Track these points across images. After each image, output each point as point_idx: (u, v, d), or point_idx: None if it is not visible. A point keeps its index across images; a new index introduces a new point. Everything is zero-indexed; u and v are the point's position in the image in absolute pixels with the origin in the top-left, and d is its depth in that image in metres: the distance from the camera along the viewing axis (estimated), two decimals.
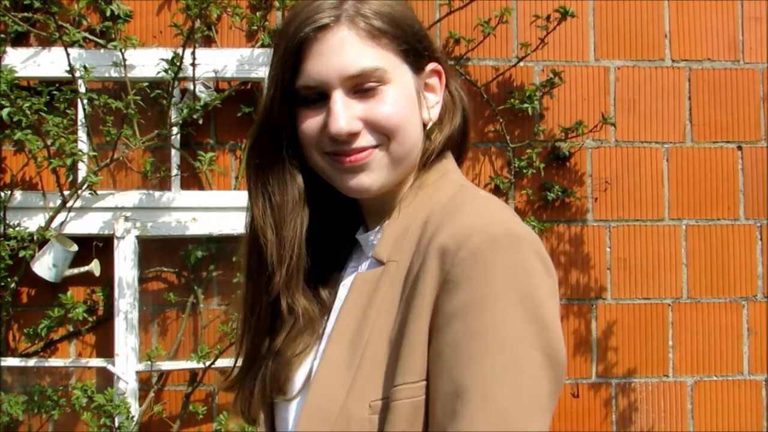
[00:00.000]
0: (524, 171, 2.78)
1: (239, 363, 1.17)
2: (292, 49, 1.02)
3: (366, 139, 1.02)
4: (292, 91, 1.04)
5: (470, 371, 0.90)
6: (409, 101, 1.06)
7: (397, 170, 1.06)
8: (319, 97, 1.03)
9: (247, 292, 1.13)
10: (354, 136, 1.02)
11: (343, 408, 0.98)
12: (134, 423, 2.57)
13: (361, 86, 1.02)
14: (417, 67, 1.08)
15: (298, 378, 1.10)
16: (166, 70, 2.53)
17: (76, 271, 2.64)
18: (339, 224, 1.17)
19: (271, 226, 1.07)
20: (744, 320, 2.88)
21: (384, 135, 1.03)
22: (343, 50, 1.01)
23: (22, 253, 2.53)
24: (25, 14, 2.65)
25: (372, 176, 1.04)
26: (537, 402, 0.91)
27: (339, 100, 1.01)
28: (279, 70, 1.04)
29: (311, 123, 1.04)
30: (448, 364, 0.92)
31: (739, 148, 2.89)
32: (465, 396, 0.90)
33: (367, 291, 1.05)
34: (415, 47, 1.07)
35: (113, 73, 2.62)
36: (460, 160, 1.17)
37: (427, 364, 0.95)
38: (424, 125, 1.09)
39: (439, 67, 1.11)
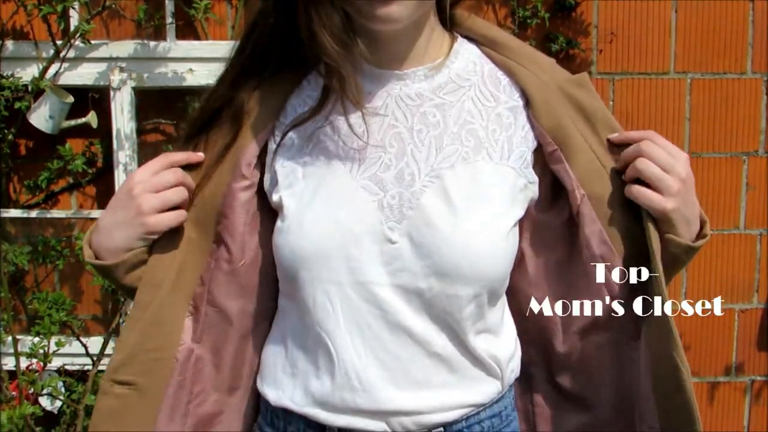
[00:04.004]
0: (528, 21, 2.71)
1: None
2: None
3: None
4: None
5: None
6: None
7: (422, 7, 1.06)
8: None
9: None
10: None
11: None
12: None
13: None
14: None
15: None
16: None
17: (73, 122, 2.62)
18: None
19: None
20: (743, 175, 2.88)
21: None
22: None
23: (17, 105, 2.49)
24: None
25: (401, 7, 1.02)
26: None
27: None
28: None
29: None
30: None
31: None
32: None
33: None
34: None
35: None
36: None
37: None
38: None
39: None
